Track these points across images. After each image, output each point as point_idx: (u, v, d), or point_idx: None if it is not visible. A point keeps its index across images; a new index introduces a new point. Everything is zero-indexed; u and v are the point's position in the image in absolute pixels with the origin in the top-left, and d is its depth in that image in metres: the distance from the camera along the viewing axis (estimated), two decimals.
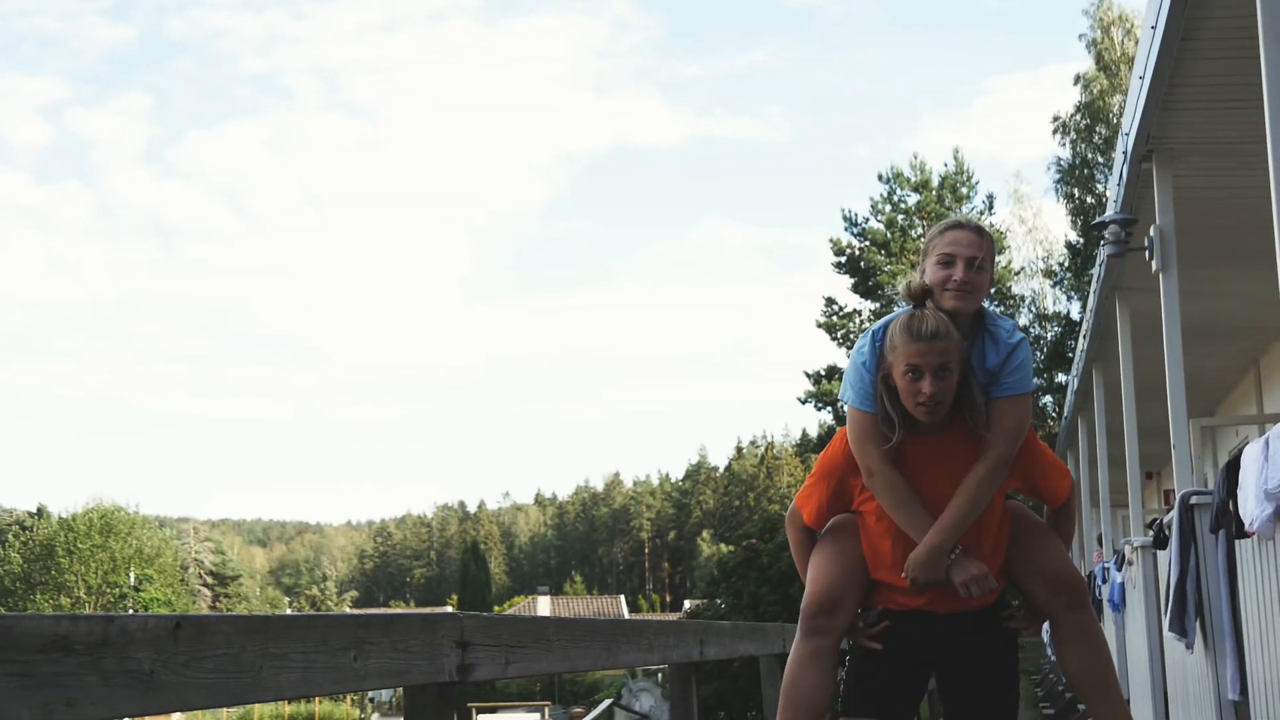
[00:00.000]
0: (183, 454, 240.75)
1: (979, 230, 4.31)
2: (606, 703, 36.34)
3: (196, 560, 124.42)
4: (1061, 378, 50.66)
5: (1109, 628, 13.81)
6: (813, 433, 65.61)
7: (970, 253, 4.25)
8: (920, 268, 4.38)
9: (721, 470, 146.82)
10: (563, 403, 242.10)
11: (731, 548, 29.63)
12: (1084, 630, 4.34)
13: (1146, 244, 9.38)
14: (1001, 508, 4.36)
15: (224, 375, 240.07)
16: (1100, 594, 14.19)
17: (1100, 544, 16.72)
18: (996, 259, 5.65)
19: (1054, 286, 55.63)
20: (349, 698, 66.32)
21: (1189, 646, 8.03)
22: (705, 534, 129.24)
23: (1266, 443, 5.86)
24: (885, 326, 4.27)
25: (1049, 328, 55.32)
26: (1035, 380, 4.45)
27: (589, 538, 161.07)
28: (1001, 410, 4.20)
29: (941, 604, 4.32)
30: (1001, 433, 4.18)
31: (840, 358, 56.65)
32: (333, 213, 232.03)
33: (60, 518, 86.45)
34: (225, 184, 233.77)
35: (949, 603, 4.31)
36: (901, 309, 4.31)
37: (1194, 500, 7.72)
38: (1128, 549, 11.33)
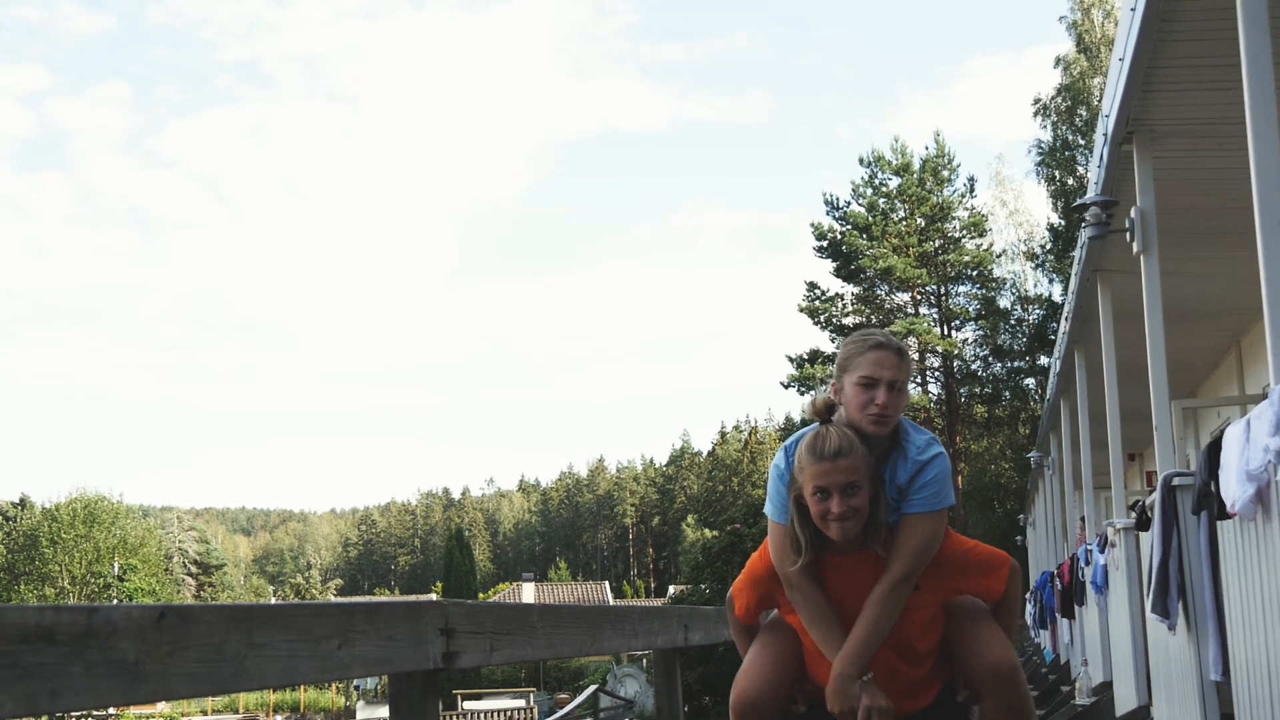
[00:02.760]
0: (166, 442, 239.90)
1: (900, 352, 4.22)
2: (592, 689, 36.18)
3: (180, 549, 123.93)
4: (1044, 360, 50.30)
5: (1091, 610, 13.63)
6: (796, 417, 65.90)
7: (892, 376, 4.14)
8: (835, 382, 4.24)
9: (705, 455, 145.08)
10: (547, 387, 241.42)
11: (715, 533, 29.55)
12: (1019, 715, 4.24)
13: (1127, 226, 9.28)
14: (931, 613, 4.26)
15: (207, 363, 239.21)
16: (1083, 576, 13.97)
17: (1083, 526, 16.59)
18: (913, 368, 5.11)
19: (1036, 269, 56.72)
20: (334, 685, 66.12)
21: (1171, 628, 7.95)
22: (689, 519, 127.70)
23: (1248, 424, 5.81)
24: (798, 442, 4.19)
25: (1031, 310, 56.04)
26: (951, 498, 4.30)
27: (573, 524, 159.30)
28: (906, 528, 4.10)
29: None
30: (902, 551, 4.08)
31: (823, 342, 56.77)
32: (314, 200, 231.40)
33: (44, 508, 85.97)
34: (206, 172, 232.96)
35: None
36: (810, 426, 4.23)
37: (1176, 482, 7.66)
38: (1110, 531, 11.10)
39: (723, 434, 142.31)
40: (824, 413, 4.15)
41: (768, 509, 4.19)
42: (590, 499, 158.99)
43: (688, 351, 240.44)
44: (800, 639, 4.31)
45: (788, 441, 4.18)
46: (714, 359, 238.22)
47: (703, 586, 26.32)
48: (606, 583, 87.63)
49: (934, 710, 4.30)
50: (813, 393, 4.59)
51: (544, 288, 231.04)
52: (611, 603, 64.09)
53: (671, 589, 62.05)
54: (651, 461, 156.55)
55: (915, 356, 55.53)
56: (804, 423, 5.65)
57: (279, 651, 2.81)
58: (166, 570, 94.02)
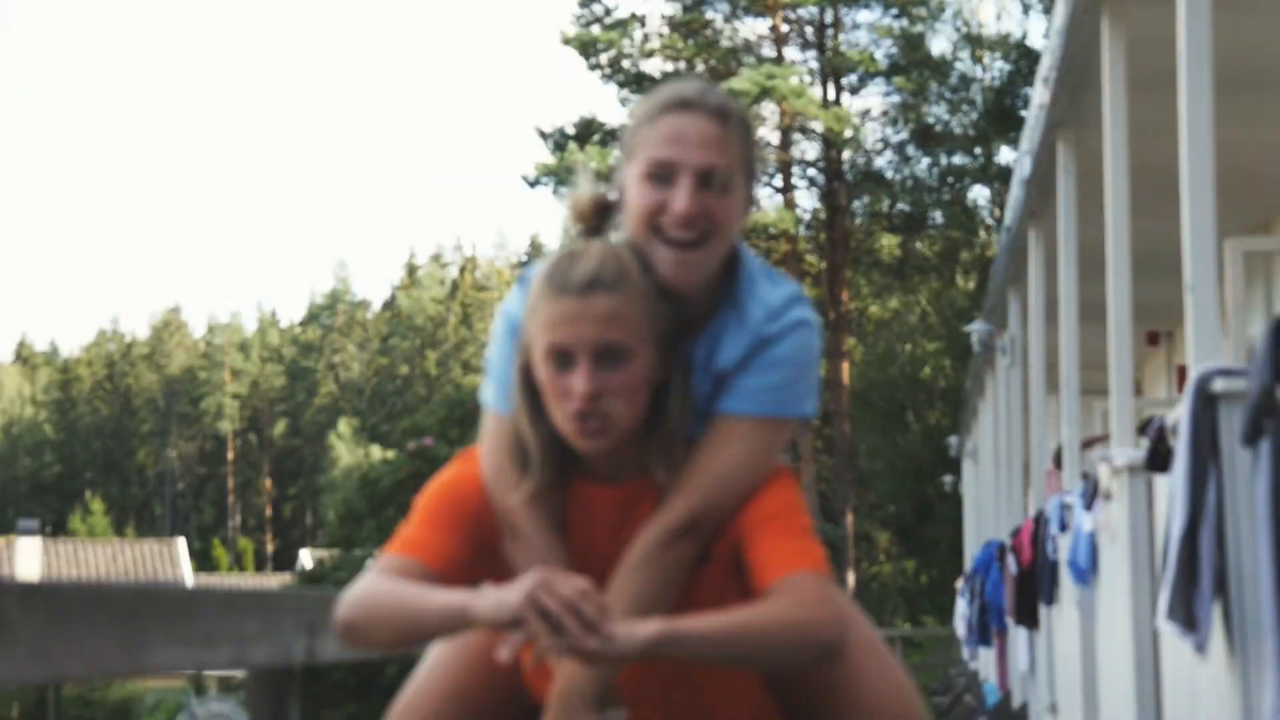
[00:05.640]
0: None
1: (722, 115, 3.10)
2: None
3: None
4: (1005, 155, 36.35)
5: (1067, 613, 11.36)
6: (548, 240, 51.09)
7: (705, 160, 3.07)
8: (618, 175, 3.19)
9: (377, 308, 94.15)
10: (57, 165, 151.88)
11: (390, 452, 23.09)
12: None
13: None
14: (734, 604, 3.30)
15: None
16: (1054, 552, 11.37)
17: (1058, 463, 14.32)
18: (761, 150, 2.59)
19: None
20: None
21: (1200, 647, 6.18)
22: (343, 426, 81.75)
23: None
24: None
25: (989, 64, 39.45)
26: (808, 404, 2.97)
27: (119, 429, 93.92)
28: (714, 439, 3.13)
29: None
30: (696, 479, 3.09)
31: (605, 104, 43.18)
32: None
33: None
34: None
35: None
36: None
37: (1218, 386, 5.95)
38: (1104, 471, 8.95)
39: (411, 268, 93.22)
40: (591, 218, 3.17)
41: (484, 389, 3.24)
42: (153, 383, 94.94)
43: (345, 114, 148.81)
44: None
45: (526, 270, 3.20)
46: (398, 127, 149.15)
47: (358, 552, 18.64)
48: (181, 540, 55.02)
49: None
50: (575, 187, 3.11)
51: None
52: (184, 579, 46.77)
53: (305, 554, 45.82)
54: (274, 317, 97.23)
55: (774, 135, 38.61)
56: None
57: None
58: None
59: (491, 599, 2.91)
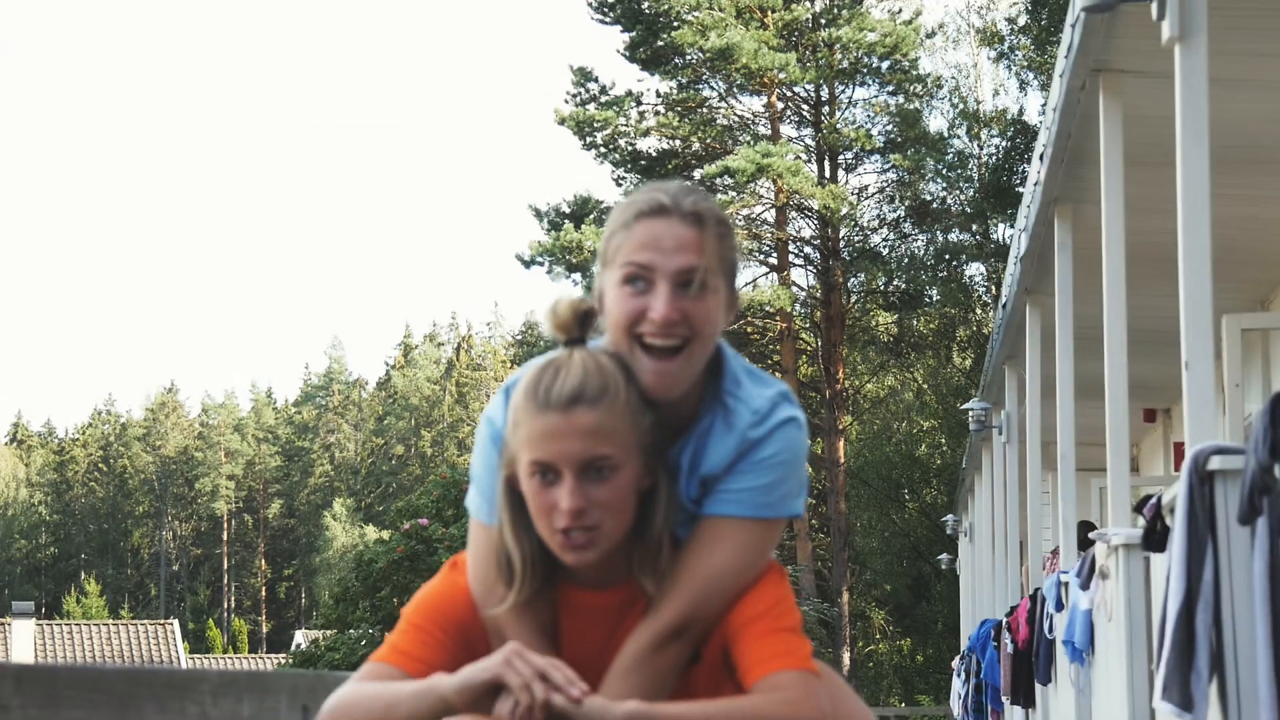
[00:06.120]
0: None
1: (698, 219, 3.07)
2: None
3: None
4: (1001, 231, 36.67)
5: (1063, 694, 11.15)
6: (542, 318, 52.36)
7: (682, 262, 3.06)
8: (596, 283, 3.21)
9: (372, 387, 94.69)
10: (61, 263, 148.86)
11: (385, 533, 22.73)
12: None
13: None
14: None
15: None
16: (1051, 631, 11.30)
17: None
18: (739, 250, 3.32)
19: (997, 62, 38.86)
20: None
21: None
22: (338, 506, 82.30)
23: None
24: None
25: (985, 140, 39.13)
26: (798, 504, 2.90)
27: (114, 510, 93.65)
28: (704, 540, 3.10)
29: None
30: (686, 582, 3.07)
31: (601, 181, 43.26)
32: None
33: None
34: None
35: None
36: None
37: (1215, 464, 6.05)
38: (1101, 550, 8.97)
39: (406, 347, 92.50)
40: (572, 327, 3.11)
41: (470, 498, 3.20)
42: (149, 463, 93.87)
43: (340, 193, 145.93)
44: None
45: (510, 378, 3.19)
46: (394, 205, 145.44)
47: (354, 633, 18.50)
48: (175, 624, 53.70)
49: None
50: (559, 297, 3.06)
51: None
52: (179, 660, 46.97)
53: (299, 636, 47.28)
54: (269, 396, 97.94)
55: (769, 213, 38.42)
56: (547, 348, 3.48)
57: None
58: None
59: (464, 671, 2.91)
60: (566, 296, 3.22)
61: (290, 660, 24.52)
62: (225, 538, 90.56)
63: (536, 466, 3.03)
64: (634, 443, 3.07)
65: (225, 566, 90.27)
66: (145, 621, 56.07)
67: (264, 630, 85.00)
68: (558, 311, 3.16)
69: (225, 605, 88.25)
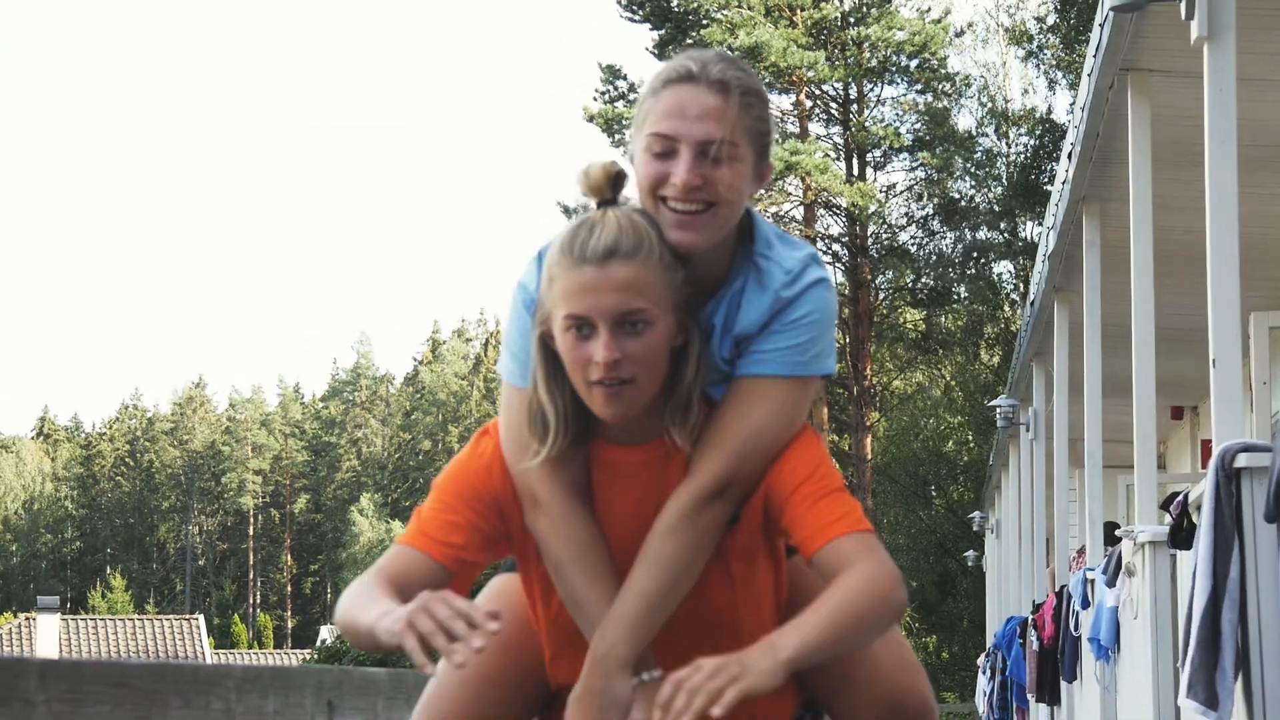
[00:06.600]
0: None
1: (722, 85, 3.07)
2: None
3: None
4: (1030, 229, 36.64)
5: (1090, 692, 11.03)
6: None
7: (706, 131, 3.06)
8: (629, 145, 3.25)
9: (399, 383, 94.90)
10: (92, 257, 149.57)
11: None
12: None
13: None
14: (778, 575, 3.27)
15: None
16: (1077, 629, 11.19)
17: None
18: (775, 123, 3.38)
19: (1025, 61, 38.76)
20: None
21: None
22: (364, 501, 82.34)
23: None
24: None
25: (1014, 139, 38.88)
26: (830, 362, 2.98)
27: (141, 504, 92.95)
28: (739, 400, 3.11)
29: None
30: (724, 442, 3.08)
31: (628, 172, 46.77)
32: None
33: None
34: None
35: None
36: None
37: (1242, 461, 6.01)
38: (1127, 547, 8.84)
39: (434, 343, 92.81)
40: (605, 188, 3.11)
41: (503, 363, 3.23)
42: (176, 458, 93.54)
43: (369, 189, 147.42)
44: (540, 629, 3.29)
45: (543, 245, 3.20)
46: (422, 201, 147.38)
47: None
48: (200, 619, 53.77)
49: None
50: (592, 160, 3.09)
51: None
52: (204, 656, 46.85)
53: (325, 632, 48.21)
54: (296, 391, 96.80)
55: (798, 211, 38.45)
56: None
57: None
58: None
59: (386, 622, 2.88)
60: (599, 160, 3.26)
61: (315, 656, 24.70)
62: (251, 533, 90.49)
63: (572, 320, 3.04)
64: (667, 299, 3.08)
65: (251, 562, 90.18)
66: (170, 616, 56.75)
67: (289, 626, 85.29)
68: (590, 174, 3.19)
69: (251, 600, 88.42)
